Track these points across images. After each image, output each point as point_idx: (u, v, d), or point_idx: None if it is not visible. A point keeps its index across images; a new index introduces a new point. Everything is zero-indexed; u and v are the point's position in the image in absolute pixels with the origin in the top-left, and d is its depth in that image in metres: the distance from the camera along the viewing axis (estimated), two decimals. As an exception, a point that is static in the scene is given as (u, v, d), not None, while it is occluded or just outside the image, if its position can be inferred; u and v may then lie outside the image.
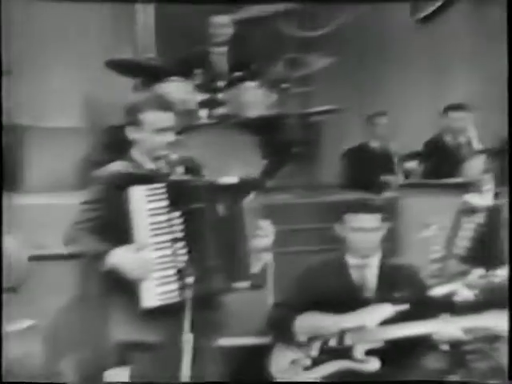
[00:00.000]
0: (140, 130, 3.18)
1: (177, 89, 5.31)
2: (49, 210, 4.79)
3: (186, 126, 5.23)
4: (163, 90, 5.24)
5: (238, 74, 5.60)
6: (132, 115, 3.19)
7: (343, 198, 5.08)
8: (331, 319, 3.58)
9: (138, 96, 3.33)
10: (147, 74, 5.48)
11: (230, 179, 3.17)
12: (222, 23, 5.79)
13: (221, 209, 3.10)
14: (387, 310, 3.55)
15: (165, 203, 3.04)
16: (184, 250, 3.04)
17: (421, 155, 5.79)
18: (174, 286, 3.03)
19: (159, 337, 3.10)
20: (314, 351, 3.58)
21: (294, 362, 3.60)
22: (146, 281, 3.01)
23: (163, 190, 3.05)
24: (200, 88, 5.45)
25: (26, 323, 3.94)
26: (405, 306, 3.54)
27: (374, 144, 6.08)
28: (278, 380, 3.57)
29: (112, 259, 3.02)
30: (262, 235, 3.15)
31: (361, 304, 3.60)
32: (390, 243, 4.07)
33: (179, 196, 3.06)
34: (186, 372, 3.00)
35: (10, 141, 5.57)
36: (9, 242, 3.87)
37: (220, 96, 5.43)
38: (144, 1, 6.11)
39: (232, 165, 5.20)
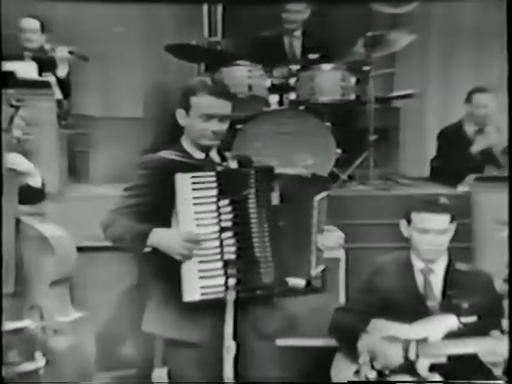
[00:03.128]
0: (189, 115, 2.99)
1: (243, 74, 5.02)
2: (111, 200, 4.66)
3: (255, 113, 4.99)
4: (228, 74, 4.97)
5: (313, 56, 5.25)
6: (184, 99, 3.00)
7: (416, 192, 4.69)
8: (397, 330, 3.26)
9: (193, 79, 3.09)
10: (211, 59, 5.21)
11: (303, 171, 2.99)
12: (297, 9, 5.44)
13: (274, 197, 2.87)
14: (452, 322, 3.20)
15: (213, 192, 2.84)
16: (232, 241, 2.82)
17: None
18: (220, 280, 2.81)
19: (202, 336, 2.89)
20: (379, 364, 3.26)
21: (357, 372, 3.30)
22: (189, 272, 2.80)
23: (211, 179, 2.85)
24: (270, 72, 5.11)
25: (76, 315, 3.71)
26: (472, 318, 3.15)
27: (469, 126, 5.33)
28: None
29: (154, 238, 2.85)
30: (328, 237, 2.92)
31: (424, 313, 3.26)
32: (464, 244, 3.70)
33: (229, 184, 2.85)
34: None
35: (79, 132, 5.51)
36: (58, 232, 3.65)
37: (292, 81, 5.08)
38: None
39: (303, 154, 4.93)
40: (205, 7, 5.83)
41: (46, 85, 4.87)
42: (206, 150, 3.01)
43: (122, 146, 5.58)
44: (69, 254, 3.70)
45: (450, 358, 3.17)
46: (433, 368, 3.18)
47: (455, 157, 5.22)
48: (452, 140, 5.33)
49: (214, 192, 2.83)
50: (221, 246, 2.82)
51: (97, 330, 3.92)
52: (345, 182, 5.12)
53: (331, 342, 3.67)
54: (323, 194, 2.92)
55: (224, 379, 2.81)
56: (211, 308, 2.83)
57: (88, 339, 3.71)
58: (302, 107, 5.07)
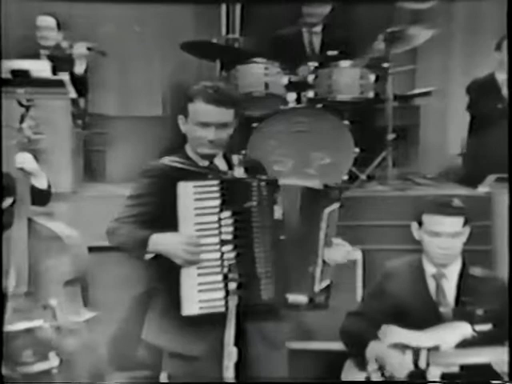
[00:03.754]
0: (187, 122, 2.93)
1: (259, 71, 4.93)
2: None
3: (271, 112, 4.90)
4: (244, 72, 4.91)
5: (332, 52, 5.14)
6: (184, 105, 2.94)
7: (434, 192, 4.56)
8: (408, 337, 3.13)
9: (195, 85, 2.99)
10: (227, 56, 5.14)
11: (313, 184, 2.84)
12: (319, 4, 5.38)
13: (277, 211, 2.76)
14: (465, 330, 3.07)
15: (216, 202, 2.75)
16: (232, 255, 2.73)
17: None
18: (219, 293, 2.73)
19: (201, 349, 2.81)
20: (389, 372, 3.15)
21: (367, 378, 3.19)
22: (189, 285, 2.71)
23: (215, 188, 2.75)
24: (288, 70, 5.01)
25: (88, 315, 3.76)
26: (487, 326, 3.03)
27: (501, 74, 5.02)
28: None
29: (154, 243, 2.78)
30: (336, 251, 2.84)
31: (437, 320, 3.13)
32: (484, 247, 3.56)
33: (231, 195, 2.76)
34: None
35: (96, 131, 5.47)
36: (70, 232, 3.68)
37: (310, 78, 4.98)
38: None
39: (320, 153, 4.82)
40: (223, 5, 5.76)
41: (60, 84, 4.82)
42: (208, 157, 2.93)
43: (139, 145, 5.54)
44: (82, 254, 3.73)
45: (463, 367, 3.05)
46: (444, 377, 3.06)
47: (488, 104, 5.02)
48: (483, 90, 5.13)
49: (217, 202, 2.75)
50: (221, 259, 2.73)
51: (110, 331, 3.88)
52: (363, 182, 5.02)
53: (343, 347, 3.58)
54: (334, 206, 2.82)
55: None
56: (212, 321, 2.75)
57: (100, 339, 3.71)
58: (319, 105, 4.96)
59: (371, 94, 4.94)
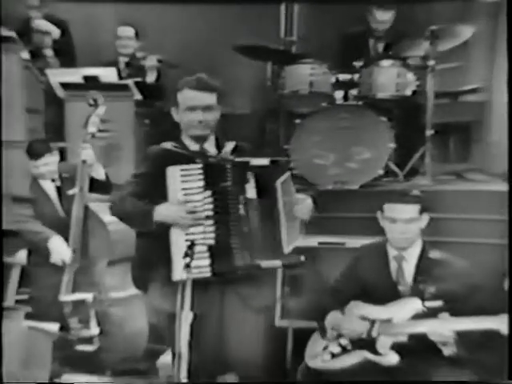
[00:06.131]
0: (178, 111, 3.34)
1: (305, 71, 5.21)
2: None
3: (315, 109, 5.20)
4: (290, 72, 5.23)
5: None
6: (173, 97, 3.36)
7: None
8: (368, 310, 3.45)
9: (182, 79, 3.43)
10: (277, 58, 5.49)
11: (262, 161, 3.23)
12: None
13: (249, 189, 3.19)
14: (417, 305, 3.34)
15: (199, 184, 3.20)
16: (212, 228, 3.19)
17: None
18: (205, 261, 3.16)
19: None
20: (345, 340, 3.48)
21: (325, 348, 3.52)
22: (178, 254, 3.12)
23: (199, 171, 3.21)
24: (338, 69, 5.29)
25: (133, 291, 4.27)
26: (437, 303, 3.29)
27: None
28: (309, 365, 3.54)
29: (157, 215, 3.20)
30: (299, 214, 3.21)
31: (396, 298, 3.42)
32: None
33: (212, 177, 3.21)
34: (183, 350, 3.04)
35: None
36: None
37: (355, 77, 5.24)
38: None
39: (360, 147, 5.05)
40: (282, 7, 6.07)
41: (125, 88, 5.34)
42: (200, 140, 3.32)
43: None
44: (127, 237, 4.14)
45: (411, 337, 3.32)
46: (394, 347, 3.35)
47: None
48: None
49: (201, 183, 3.20)
50: (204, 232, 3.18)
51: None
52: (398, 176, 5.19)
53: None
54: (285, 176, 3.19)
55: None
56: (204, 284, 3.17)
57: (141, 314, 4.14)
58: (360, 102, 5.20)
59: (408, 92, 5.13)
